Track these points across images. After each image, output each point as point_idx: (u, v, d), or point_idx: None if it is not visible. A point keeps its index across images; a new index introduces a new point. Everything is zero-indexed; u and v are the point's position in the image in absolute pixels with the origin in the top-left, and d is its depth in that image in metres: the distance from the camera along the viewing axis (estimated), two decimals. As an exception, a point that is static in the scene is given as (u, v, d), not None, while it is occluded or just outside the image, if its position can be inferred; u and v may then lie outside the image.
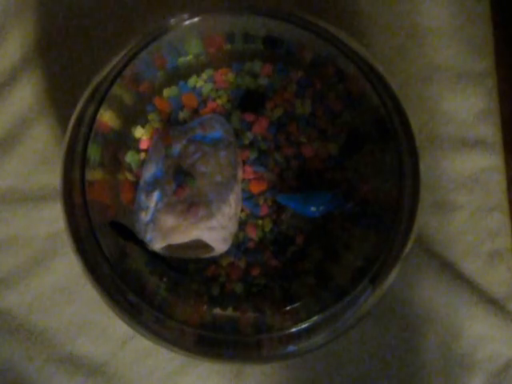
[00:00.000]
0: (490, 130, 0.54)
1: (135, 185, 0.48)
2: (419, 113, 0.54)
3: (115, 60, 0.43)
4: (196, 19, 0.44)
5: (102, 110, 0.43)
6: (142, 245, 0.46)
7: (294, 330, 0.42)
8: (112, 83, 0.42)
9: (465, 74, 0.55)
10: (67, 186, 0.42)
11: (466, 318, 0.52)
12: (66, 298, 0.53)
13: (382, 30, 0.55)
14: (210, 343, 0.42)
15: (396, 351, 0.52)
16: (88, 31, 0.54)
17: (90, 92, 0.43)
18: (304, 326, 0.42)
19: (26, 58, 0.54)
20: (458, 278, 0.53)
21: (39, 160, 0.54)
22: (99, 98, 0.42)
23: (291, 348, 0.43)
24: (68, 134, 0.42)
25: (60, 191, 0.42)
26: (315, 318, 0.42)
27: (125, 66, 0.42)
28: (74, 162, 0.42)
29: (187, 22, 0.44)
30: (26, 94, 0.54)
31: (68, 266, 0.53)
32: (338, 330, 0.42)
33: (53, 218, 0.53)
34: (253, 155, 0.48)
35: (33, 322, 0.52)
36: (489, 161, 0.54)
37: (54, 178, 0.52)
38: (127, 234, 0.46)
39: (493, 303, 0.52)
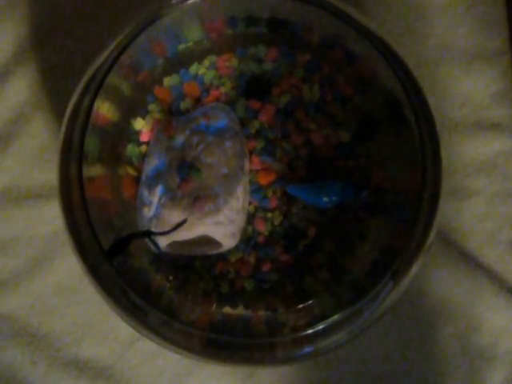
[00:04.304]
0: (507, 112, 0.53)
1: (137, 179, 0.47)
2: (431, 95, 0.52)
3: (110, 48, 0.42)
4: (190, 1, 0.43)
5: (99, 102, 0.42)
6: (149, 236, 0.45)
7: (310, 330, 0.41)
8: (108, 71, 0.41)
9: (478, 53, 0.54)
10: (65, 183, 0.41)
11: (486, 308, 0.51)
12: (69, 299, 0.52)
13: (389, 9, 0.54)
14: (220, 345, 0.41)
15: (414, 345, 0.51)
16: (83, 22, 0.53)
17: (85, 82, 0.42)
18: (321, 326, 0.41)
19: (19, 51, 0.54)
20: (477, 267, 0.52)
21: (37, 157, 0.53)
22: (95, 88, 0.41)
23: (307, 349, 0.42)
24: (64, 127, 0.42)
25: (57, 189, 0.41)
26: (333, 317, 0.41)
27: (120, 53, 0.41)
28: (71, 157, 0.41)
29: (181, 5, 0.43)
30: (21, 88, 0.53)
31: (70, 266, 0.52)
32: (357, 330, 0.41)
33: (53, 217, 0.52)
34: (260, 145, 0.47)
35: (35, 325, 0.52)
36: (506, 144, 0.53)
37: (52, 175, 0.50)
38: (131, 238, 0.44)
39: (514, 293, 0.52)
